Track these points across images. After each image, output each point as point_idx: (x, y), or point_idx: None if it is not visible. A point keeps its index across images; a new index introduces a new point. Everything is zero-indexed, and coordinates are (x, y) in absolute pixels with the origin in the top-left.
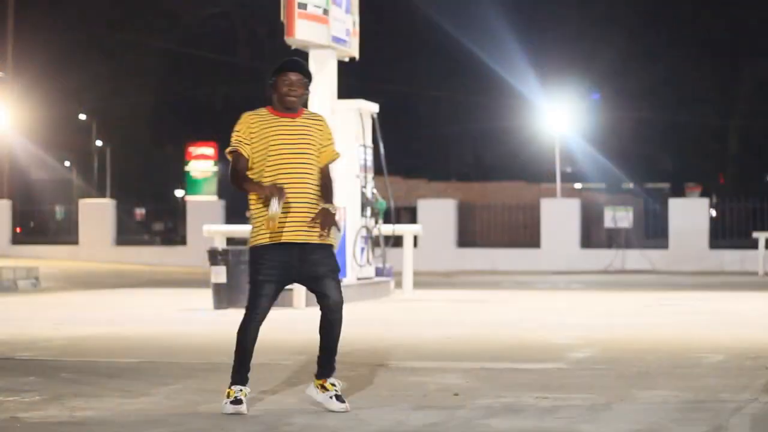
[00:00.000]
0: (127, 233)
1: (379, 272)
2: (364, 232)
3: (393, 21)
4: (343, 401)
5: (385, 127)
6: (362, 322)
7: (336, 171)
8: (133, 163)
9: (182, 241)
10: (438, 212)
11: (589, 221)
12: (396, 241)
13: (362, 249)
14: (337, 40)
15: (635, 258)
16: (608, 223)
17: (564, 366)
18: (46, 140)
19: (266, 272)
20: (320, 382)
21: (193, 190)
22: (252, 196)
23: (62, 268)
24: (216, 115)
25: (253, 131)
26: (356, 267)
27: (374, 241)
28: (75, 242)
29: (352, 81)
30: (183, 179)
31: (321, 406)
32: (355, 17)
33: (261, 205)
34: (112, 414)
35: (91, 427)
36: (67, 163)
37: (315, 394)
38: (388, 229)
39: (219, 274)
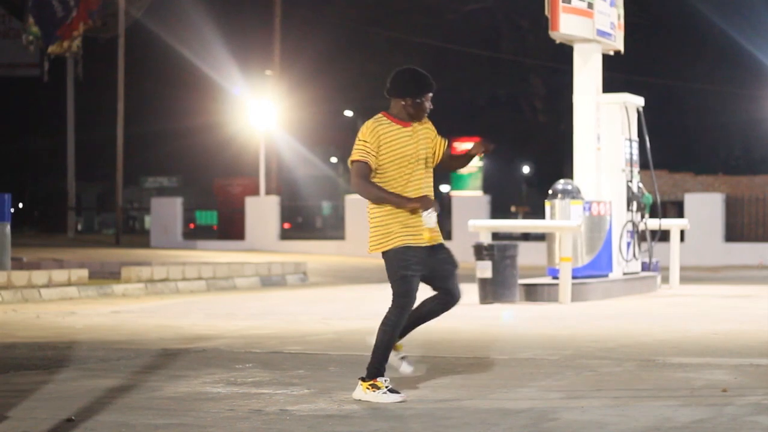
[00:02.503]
0: None
1: (645, 267)
2: (630, 227)
3: (657, 13)
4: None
5: (650, 121)
6: (628, 316)
7: (602, 166)
8: None
9: (448, 236)
10: (705, 206)
11: None
12: (662, 236)
13: (628, 244)
14: (602, 33)
15: None
16: None
17: None
18: (313, 137)
19: (414, 267)
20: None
21: (459, 185)
22: (372, 205)
23: (329, 263)
24: (480, 110)
25: (382, 142)
26: (622, 262)
27: (640, 236)
28: (342, 237)
29: (617, 74)
30: (448, 174)
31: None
32: (620, 10)
33: (384, 213)
34: (378, 408)
35: (359, 420)
36: (333, 160)
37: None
38: (654, 223)
39: (485, 269)
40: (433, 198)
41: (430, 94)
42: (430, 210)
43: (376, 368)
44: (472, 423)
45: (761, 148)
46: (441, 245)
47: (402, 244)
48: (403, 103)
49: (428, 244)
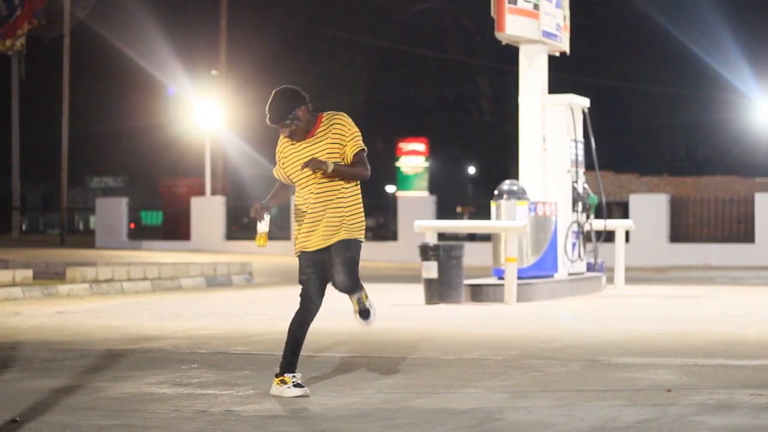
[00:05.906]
0: None
1: (590, 268)
2: (575, 228)
3: (602, 14)
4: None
5: (595, 122)
6: (574, 317)
7: (548, 166)
8: None
9: (393, 237)
10: (650, 207)
11: None
12: (607, 237)
13: (573, 244)
14: (547, 34)
15: None
16: None
17: None
18: (259, 137)
19: (307, 271)
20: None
21: (404, 185)
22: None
23: (274, 264)
24: (427, 110)
25: (281, 156)
26: (567, 262)
27: (585, 237)
28: (287, 238)
29: (563, 75)
30: (394, 175)
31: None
32: (566, 12)
33: (295, 220)
34: (325, 408)
35: (304, 420)
36: None
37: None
38: (599, 224)
39: (430, 270)
40: (261, 206)
41: (278, 125)
42: (255, 217)
43: (285, 364)
44: (417, 423)
45: (706, 149)
46: (339, 241)
47: (299, 250)
48: None
49: (318, 247)
